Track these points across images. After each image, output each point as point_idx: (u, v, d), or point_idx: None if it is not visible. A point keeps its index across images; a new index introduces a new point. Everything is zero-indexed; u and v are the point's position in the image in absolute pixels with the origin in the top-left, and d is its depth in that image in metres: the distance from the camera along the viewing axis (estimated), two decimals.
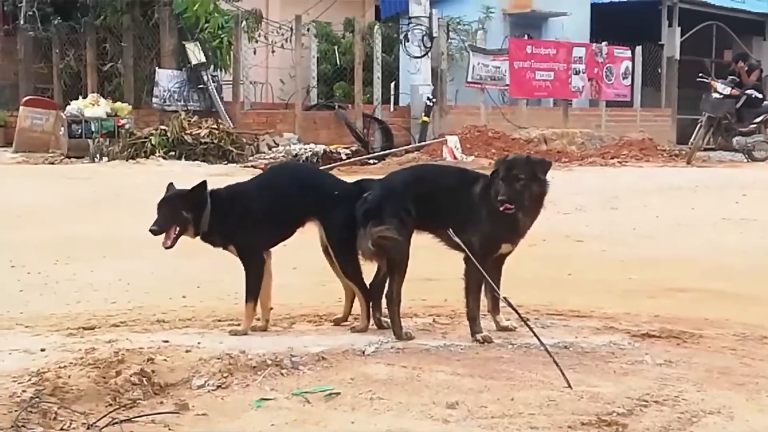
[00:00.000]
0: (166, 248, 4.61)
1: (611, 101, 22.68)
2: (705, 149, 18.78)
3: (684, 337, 4.78)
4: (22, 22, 19.61)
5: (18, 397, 3.54)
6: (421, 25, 19.32)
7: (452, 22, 21.03)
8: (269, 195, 4.82)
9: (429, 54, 19.45)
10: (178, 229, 4.61)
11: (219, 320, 5.04)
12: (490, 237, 4.65)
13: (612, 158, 17.90)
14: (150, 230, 4.59)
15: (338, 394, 3.79)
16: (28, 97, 18.61)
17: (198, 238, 4.76)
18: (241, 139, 16.70)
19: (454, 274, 6.44)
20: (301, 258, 6.36)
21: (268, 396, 3.77)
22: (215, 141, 16.15)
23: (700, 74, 19.20)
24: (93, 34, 18.79)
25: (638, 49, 23.15)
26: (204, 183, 4.72)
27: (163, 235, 4.60)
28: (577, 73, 21.57)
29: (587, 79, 21.78)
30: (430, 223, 4.77)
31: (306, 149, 16.53)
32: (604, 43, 22.17)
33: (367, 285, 4.86)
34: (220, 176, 11.24)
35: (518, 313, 4.28)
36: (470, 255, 4.61)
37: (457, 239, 4.58)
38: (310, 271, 6.41)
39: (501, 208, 4.50)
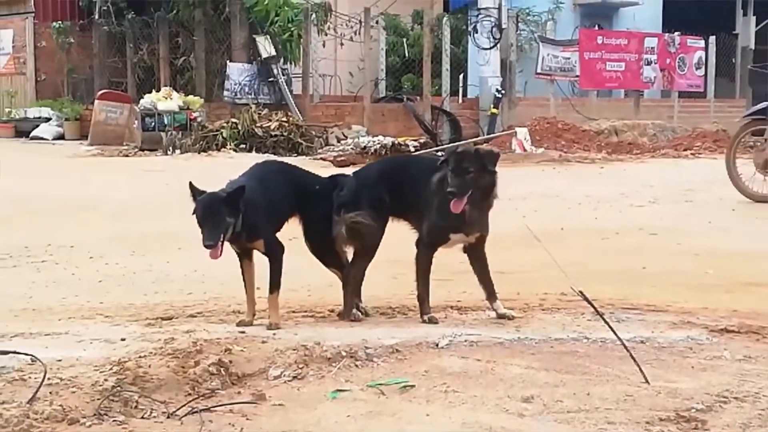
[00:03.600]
0: (216, 258, 4.45)
1: (684, 92, 22.31)
2: None
3: (763, 333, 4.68)
4: (97, 17, 20.05)
5: (100, 385, 3.61)
6: (490, 16, 19.23)
7: (522, 13, 20.88)
8: (272, 190, 4.83)
9: (498, 45, 19.34)
10: (222, 235, 4.48)
11: (293, 311, 5.09)
12: (437, 226, 4.78)
13: (685, 150, 17.61)
14: (206, 246, 4.40)
15: (413, 386, 3.79)
16: (103, 91, 19.01)
17: None
18: (310, 132, 16.83)
19: (527, 267, 6.45)
20: None
21: (344, 387, 3.79)
22: (285, 133, 16.30)
23: None
24: (166, 29, 19.10)
25: (712, 38, 22.71)
26: (243, 188, 4.57)
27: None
28: (648, 63, 21.27)
29: (659, 69, 21.45)
30: (402, 211, 4.95)
31: (374, 141, 16.58)
32: (676, 33, 21.81)
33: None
34: None
35: (594, 307, 4.24)
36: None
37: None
38: (381, 264, 6.42)
39: (451, 202, 4.59)
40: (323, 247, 4.95)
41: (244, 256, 4.79)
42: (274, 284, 4.73)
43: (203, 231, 4.45)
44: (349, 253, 5.00)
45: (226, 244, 4.61)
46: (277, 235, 4.85)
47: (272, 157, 14.93)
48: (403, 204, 4.93)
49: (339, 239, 4.78)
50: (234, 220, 4.51)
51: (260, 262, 4.80)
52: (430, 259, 4.91)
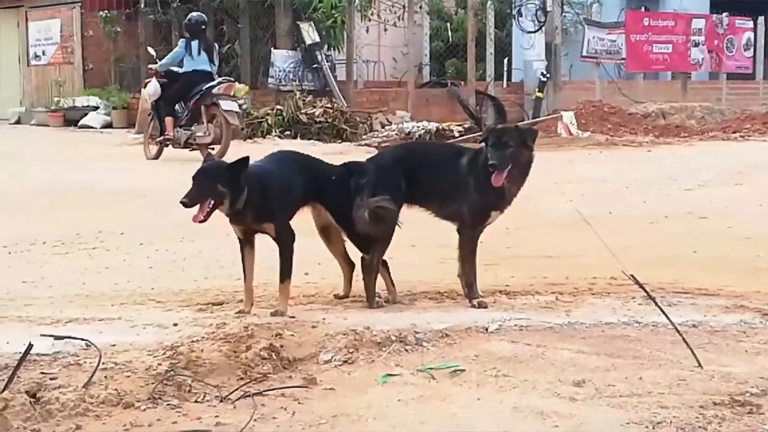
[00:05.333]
0: (198, 222, 4.50)
1: (732, 73, 21.98)
2: None
3: None
4: (142, 6, 20.20)
5: (154, 370, 3.66)
6: None
7: None
8: (286, 175, 4.80)
9: (543, 29, 19.18)
10: (212, 203, 4.48)
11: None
12: (479, 206, 4.82)
13: (734, 132, 17.35)
14: (180, 202, 4.46)
15: (463, 370, 3.79)
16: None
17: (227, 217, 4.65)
18: (354, 118, 16.82)
19: (576, 251, 6.41)
20: (419, 235, 6.39)
21: (394, 372, 3.79)
22: (329, 120, 16.31)
23: None
24: (211, 16, 19.16)
25: (761, 19, 22.34)
26: (246, 159, 4.57)
27: (197, 208, 4.49)
28: (696, 45, 20.99)
29: (707, 51, 21.15)
30: (420, 196, 4.97)
31: (419, 127, 16.54)
32: (724, 14, 21.47)
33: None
34: (335, 155, 11.36)
35: (645, 291, 4.20)
36: None
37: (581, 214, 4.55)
38: (428, 248, 6.44)
39: (492, 174, 4.64)
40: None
41: (246, 243, 4.75)
42: (285, 272, 4.70)
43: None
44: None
45: (231, 230, 4.65)
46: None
47: (318, 144, 15.05)
48: (423, 190, 4.94)
49: (360, 223, 4.77)
50: (228, 191, 4.48)
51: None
52: (476, 242, 4.94)
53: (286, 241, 4.71)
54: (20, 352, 3.54)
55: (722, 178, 10.78)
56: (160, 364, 3.70)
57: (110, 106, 20.19)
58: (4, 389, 3.38)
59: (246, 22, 18.74)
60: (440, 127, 16.68)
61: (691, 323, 4.42)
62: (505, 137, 4.70)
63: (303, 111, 16.30)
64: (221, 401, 3.48)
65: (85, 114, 20.12)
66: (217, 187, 4.49)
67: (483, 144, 4.81)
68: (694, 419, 3.23)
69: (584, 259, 6.07)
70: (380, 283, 4.99)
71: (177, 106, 13.19)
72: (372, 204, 4.72)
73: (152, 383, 3.54)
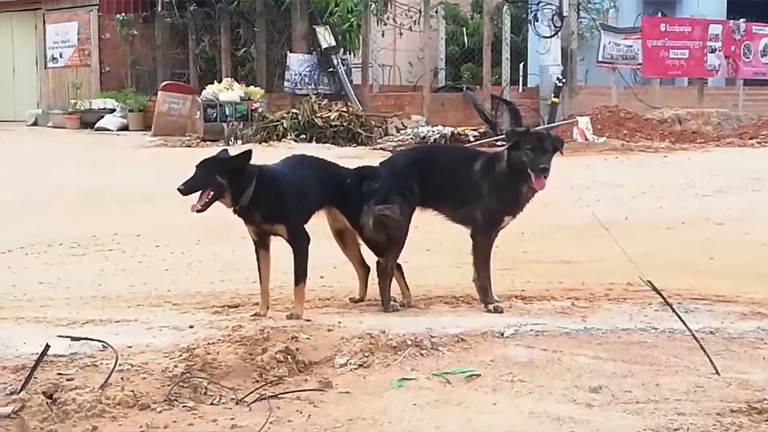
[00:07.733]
0: (196, 212, 4.50)
1: (749, 79, 21.85)
2: None
3: None
4: (159, 9, 20.24)
5: (170, 372, 3.67)
6: (551, 4, 19.03)
7: (583, 0, 20.63)
8: (299, 178, 4.80)
9: (559, 34, 19.13)
10: (211, 194, 4.49)
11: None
12: (493, 210, 4.82)
13: (750, 139, 17.23)
14: (177, 189, 4.48)
15: (479, 375, 3.78)
16: (165, 83, 19.17)
17: (234, 212, 4.66)
18: (370, 122, 16.80)
19: (592, 257, 6.39)
20: (434, 239, 6.40)
21: (409, 376, 3.79)
22: (345, 124, 16.30)
23: None
24: (227, 20, 19.23)
25: None
26: (248, 152, 4.58)
27: (198, 196, 4.50)
28: (713, 50, 20.86)
29: (724, 56, 21.03)
30: (433, 200, 4.97)
31: (434, 131, 16.52)
32: (741, 20, 21.36)
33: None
34: (350, 158, 11.36)
35: (663, 297, 4.18)
36: None
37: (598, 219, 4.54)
38: (443, 252, 6.44)
39: (536, 177, 4.62)
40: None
41: (261, 246, 4.75)
42: (300, 275, 4.70)
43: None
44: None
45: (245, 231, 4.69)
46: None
47: (333, 147, 15.06)
48: (436, 193, 4.94)
49: (366, 230, 4.80)
50: (227, 183, 4.50)
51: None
52: (490, 247, 4.93)
53: (300, 244, 4.71)
54: (37, 353, 3.56)
55: (739, 184, 10.72)
56: (176, 366, 3.71)
57: (126, 108, 20.24)
58: (21, 390, 3.40)
59: (262, 26, 18.77)
60: (455, 132, 16.66)
61: (708, 330, 4.40)
62: (546, 143, 4.71)
63: (318, 115, 16.29)
64: (237, 404, 3.48)
65: (102, 116, 20.18)
66: (215, 178, 4.51)
67: (512, 147, 4.76)
68: (711, 426, 3.22)
69: (601, 265, 6.05)
70: (395, 286, 4.99)
71: None
72: (376, 212, 4.72)
73: (168, 385, 3.55)
